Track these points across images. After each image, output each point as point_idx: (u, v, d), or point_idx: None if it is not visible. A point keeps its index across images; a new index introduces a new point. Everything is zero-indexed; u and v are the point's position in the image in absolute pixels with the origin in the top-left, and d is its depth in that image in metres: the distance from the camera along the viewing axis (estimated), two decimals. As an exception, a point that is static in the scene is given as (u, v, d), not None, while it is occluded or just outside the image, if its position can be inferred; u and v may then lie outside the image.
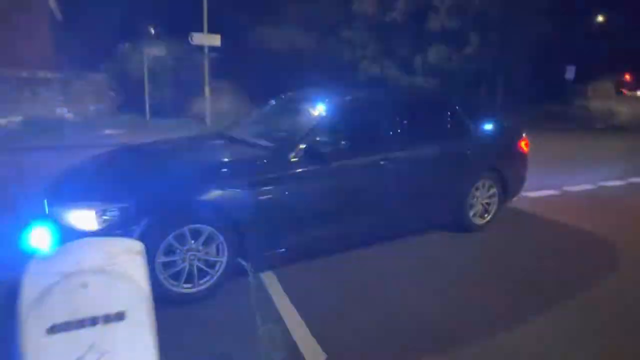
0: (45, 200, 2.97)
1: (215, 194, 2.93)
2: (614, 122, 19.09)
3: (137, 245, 1.08)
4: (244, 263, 1.73)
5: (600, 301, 3.23)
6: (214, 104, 15.80)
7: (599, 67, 23.04)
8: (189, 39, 14.51)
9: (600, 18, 27.31)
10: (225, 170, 3.23)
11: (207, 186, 2.94)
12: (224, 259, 2.98)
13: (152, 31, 18.16)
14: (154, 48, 14.55)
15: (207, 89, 15.39)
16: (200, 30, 14.80)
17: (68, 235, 2.61)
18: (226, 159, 3.43)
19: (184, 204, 2.89)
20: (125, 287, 0.95)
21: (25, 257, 2.77)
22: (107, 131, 12.92)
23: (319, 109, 3.80)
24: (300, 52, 18.38)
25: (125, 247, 1.03)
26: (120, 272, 0.96)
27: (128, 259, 0.99)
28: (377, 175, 3.81)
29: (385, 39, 19.44)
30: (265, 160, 3.34)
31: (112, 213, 2.64)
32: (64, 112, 14.14)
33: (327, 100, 3.89)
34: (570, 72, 21.63)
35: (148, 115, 14.66)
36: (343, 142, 3.59)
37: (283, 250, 3.32)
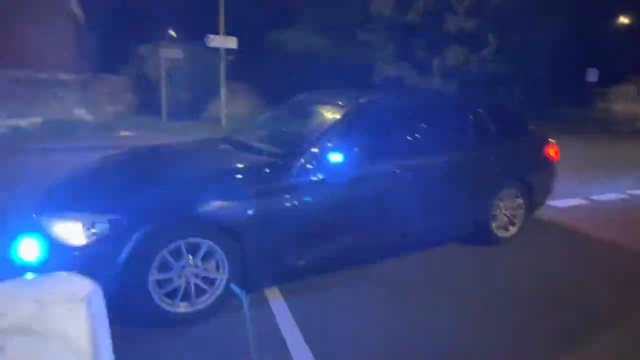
0: (34, 209, 2.78)
1: (215, 204, 2.69)
2: (638, 127, 18.35)
3: (84, 289, 0.84)
4: (237, 291, 1.48)
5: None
6: (230, 106, 15.73)
7: (621, 69, 22.25)
8: (206, 41, 14.50)
9: (622, 19, 26.42)
10: (226, 178, 2.97)
11: (206, 196, 2.70)
12: (225, 276, 2.74)
13: (172, 34, 18.27)
14: (171, 50, 14.59)
15: (223, 91, 15.36)
16: (217, 32, 14.78)
17: (55, 249, 2.43)
18: (229, 166, 3.19)
19: (180, 216, 2.65)
20: (57, 349, 0.73)
21: (15, 269, 2.62)
22: (124, 133, 12.97)
23: (331, 113, 3.54)
24: (316, 54, 18.19)
25: (66, 293, 0.81)
26: (53, 329, 0.74)
27: (65, 310, 0.77)
28: (393, 184, 3.52)
29: (402, 40, 19.09)
30: (271, 168, 3.09)
31: (101, 226, 2.41)
32: (82, 113, 14.24)
33: (339, 103, 3.63)
34: (592, 75, 20.86)
35: (164, 117, 14.70)
36: (356, 149, 3.31)
37: (290, 265, 3.07)
